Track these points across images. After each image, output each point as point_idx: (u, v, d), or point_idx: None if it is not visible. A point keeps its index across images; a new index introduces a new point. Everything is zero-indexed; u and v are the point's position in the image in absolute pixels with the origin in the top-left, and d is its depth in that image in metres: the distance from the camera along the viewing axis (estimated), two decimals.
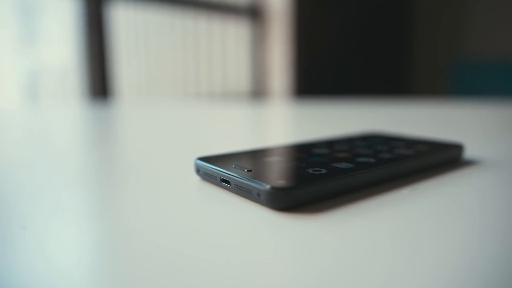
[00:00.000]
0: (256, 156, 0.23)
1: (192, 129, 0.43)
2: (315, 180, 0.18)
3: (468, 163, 0.26)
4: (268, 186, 0.17)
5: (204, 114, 0.60)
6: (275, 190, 0.16)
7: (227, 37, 1.91)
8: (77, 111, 0.67)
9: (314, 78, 2.04)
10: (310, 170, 0.19)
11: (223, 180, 0.19)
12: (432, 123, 0.47)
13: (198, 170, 0.22)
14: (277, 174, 0.19)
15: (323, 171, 0.19)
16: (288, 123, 0.51)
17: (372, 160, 0.22)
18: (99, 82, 1.44)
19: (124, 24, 1.54)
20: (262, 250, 0.13)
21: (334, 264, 0.12)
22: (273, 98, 1.97)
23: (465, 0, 2.54)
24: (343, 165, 0.20)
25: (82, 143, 0.34)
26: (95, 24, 1.40)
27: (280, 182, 0.17)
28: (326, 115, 0.57)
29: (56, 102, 1.34)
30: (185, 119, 0.52)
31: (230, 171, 0.19)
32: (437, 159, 0.24)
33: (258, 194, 0.17)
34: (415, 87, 2.76)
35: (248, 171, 0.19)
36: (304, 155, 0.23)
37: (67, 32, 1.40)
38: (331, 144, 0.26)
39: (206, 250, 0.13)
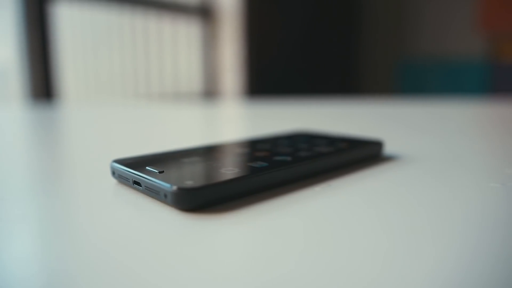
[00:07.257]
0: (174, 157, 0.22)
1: (134, 130, 0.42)
2: (224, 180, 0.18)
3: (386, 159, 0.27)
4: (174, 187, 0.16)
5: (150, 115, 0.58)
6: (180, 191, 0.16)
7: (178, 37, 1.89)
8: (16, 113, 0.64)
9: (266, 78, 2.06)
10: (223, 170, 0.19)
11: (135, 182, 0.19)
12: (366, 121, 0.49)
13: (114, 173, 0.21)
14: (187, 175, 0.19)
15: (235, 170, 0.19)
16: (235, 122, 0.51)
17: (288, 158, 0.22)
18: (42, 83, 1.38)
19: (70, 23, 1.48)
20: (160, 251, 0.13)
21: (234, 264, 0.12)
22: (225, 98, 1.96)
23: (409, 4, 2.65)
24: (257, 164, 0.21)
25: (7, 146, 0.33)
26: (37, 22, 1.34)
27: (187, 183, 0.17)
28: (273, 114, 0.58)
29: None
30: (130, 120, 0.51)
31: (141, 173, 0.19)
32: (355, 156, 0.25)
33: (165, 195, 0.17)
34: (362, 86, 2.85)
35: (160, 172, 0.19)
36: (223, 155, 0.23)
37: (7, 30, 1.33)
38: (255, 143, 0.27)
39: (103, 252, 0.13)
